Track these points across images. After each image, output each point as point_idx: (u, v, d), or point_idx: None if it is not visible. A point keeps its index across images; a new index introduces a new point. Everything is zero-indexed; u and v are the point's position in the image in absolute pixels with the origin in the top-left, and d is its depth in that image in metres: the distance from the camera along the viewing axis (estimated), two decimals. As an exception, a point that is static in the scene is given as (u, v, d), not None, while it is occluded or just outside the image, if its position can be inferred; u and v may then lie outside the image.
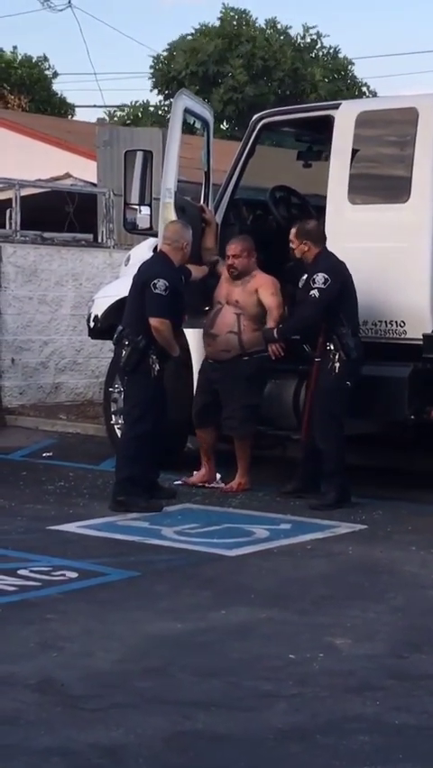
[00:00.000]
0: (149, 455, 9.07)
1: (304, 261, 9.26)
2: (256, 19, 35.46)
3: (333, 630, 6.10)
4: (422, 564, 7.54)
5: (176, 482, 9.58)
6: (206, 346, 9.73)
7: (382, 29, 68.91)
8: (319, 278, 9.02)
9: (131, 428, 9.16)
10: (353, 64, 37.49)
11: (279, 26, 35.64)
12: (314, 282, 9.03)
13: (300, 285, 9.27)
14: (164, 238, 9.26)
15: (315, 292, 9.02)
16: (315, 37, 36.49)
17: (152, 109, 36.51)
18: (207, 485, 9.69)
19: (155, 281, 8.89)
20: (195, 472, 9.81)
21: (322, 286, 9.00)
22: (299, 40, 36.02)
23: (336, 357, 9.00)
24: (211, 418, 9.72)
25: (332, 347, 9.01)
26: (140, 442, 9.03)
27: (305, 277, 9.19)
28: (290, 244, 9.27)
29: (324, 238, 9.25)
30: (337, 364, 9.00)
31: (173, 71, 34.26)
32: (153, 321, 8.89)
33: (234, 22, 34.96)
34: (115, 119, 36.52)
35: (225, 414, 9.66)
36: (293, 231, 9.28)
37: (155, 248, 9.62)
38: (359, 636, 6.02)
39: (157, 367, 8.97)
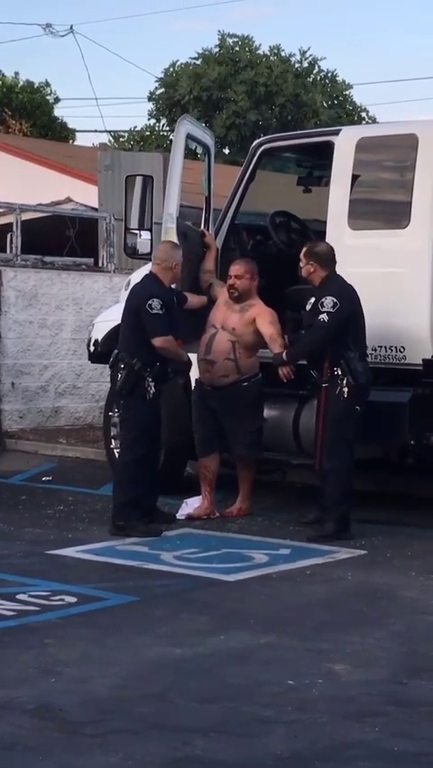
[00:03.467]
0: (148, 479, 9.06)
1: (310, 283, 9.23)
2: (260, 45, 35.60)
3: (332, 656, 6.08)
4: (422, 590, 7.52)
5: (178, 517, 9.53)
6: (203, 372, 9.71)
7: (380, 55, 69.22)
8: (328, 301, 8.96)
9: (127, 452, 9.15)
10: (351, 88, 37.66)
11: (282, 53, 35.78)
12: (322, 306, 8.95)
13: (308, 308, 9.22)
14: (154, 258, 9.32)
15: (324, 316, 8.94)
16: (312, 61, 36.62)
17: (148, 134, 36.57)
18: (210, 517, 9.62)
19: (150, 302, 8.92)
20: (186, 501, 9.73)
21: (331, 310, 8.93)
22: (296, 65, 36.14)
23: (344, 382, 8.90)
24: (214, 446, 9.71)
25: (339, 372, 8.91)
26: (137, 465, 9.03)
27: (312, 300, 9.15)
28: (299, 263, 9.25)
29: (333, 262, 9.14)
30: (346, 389, 8.90)
31: (177, 96, 34.38)
32: (157, 341, 8.92)
33: (237, 48, 35.07)
34: (122, 139, 36.62)
35: (231, 441, 9.64)
36: (303, 250, 9.24)
37: (155, 272, 9.63)
38: (359, 662, 6.00)
39: (153, 390, 8.97)
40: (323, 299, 8.98)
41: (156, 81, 35.36)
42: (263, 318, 9.54)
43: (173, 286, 9.28)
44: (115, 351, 9.26)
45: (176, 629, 6.54)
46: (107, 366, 10.94)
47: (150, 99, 35.76)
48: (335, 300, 8.94)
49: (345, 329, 8.97)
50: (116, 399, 9.60)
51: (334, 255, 9.17)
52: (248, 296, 9.65)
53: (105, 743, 4.86)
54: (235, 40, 35.24)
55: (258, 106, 33.86)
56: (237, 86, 33.64)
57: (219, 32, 35.47)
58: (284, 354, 9.32)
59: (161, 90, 35.37)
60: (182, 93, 34.08)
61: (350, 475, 9.05)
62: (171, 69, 35.31)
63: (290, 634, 6.50)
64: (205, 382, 9.70)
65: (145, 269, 10.78)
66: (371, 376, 9.07)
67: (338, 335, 8.96)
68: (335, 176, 9.83)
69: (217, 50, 35.05)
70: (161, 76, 35.37)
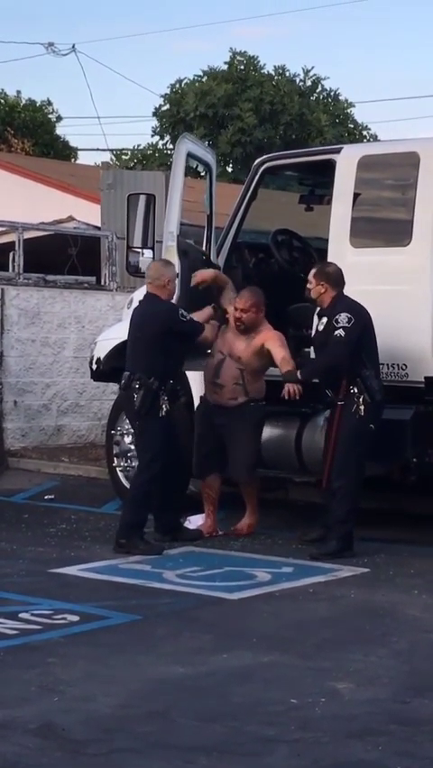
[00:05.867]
0: (158, 498, 9.07)
1: (319, 304, 9.20)
2: (265, 65, 35.70)
3: (335, 674, 6.07)
4: (425, 608, 7.51)
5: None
6: (211, 394, 9.69)
7: (383, 74, 69.42)
8: (343, 317, 8.89)
9: (144, 472, 9.14)
10: (353, 106, 37.75)
11: (287, 73, 35.88)
12: (337, 322, 8.88)
13: (320, 328, 9.12)
14: (147, 278, 9.35)
15: (340, 331, 8.87)
16: (315, 80, 36.72)
17: (150, 152, 36.62)
18: (213, 535, 9.62)
19: (179, 311, 9.06)
20: (189, 519, 9.74)
21: (347, 324, 8.86)
22: (299, 82, 36.23)
23: (361, 399, 8.85)
24: (216, 464, 9.70)
25: (356, 390, 8.86)
26: (150, 485, 9.04)
27: (324, 320, 9.09)
28: (307, 284, 9.20)
29: (342, 282, 9.10)
30: (362, 407, 8.85)
31: (182, 112, 34.43)
32: (204, 335, 9.30)
33: (242, 67, 35.15)
34: (125, 157, 36.67)
35: (232, 459, 9.61)
36: (312, 271, 9.19)
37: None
38: (361, 681, 5.99)
39: (166, 407, 9.00)
40: (337, 316, 8.91)
41: (161, 96, 35.46)
42: (273, 342, 9.48)
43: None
44: (126, 372, 9.19)
45: (178, 648, 6.53)
46: (110, 384, 10.95)
47: (155, 115, 35.81)
48: (349, 316, 8.89)
49: (360, 346, 8.93)
50: (132, 420, 9.53)
51: (343, 275, 9.13)
52: (255, 327, 9.60)
53: (107, 762, 4.85)
54: (241, 59, 35.34)
55: (263, 124, 33.95)
56: (244, 104, 33.72)
57: (231, 49, 35.64)
58: (298, 373, 9.24)
59: (166, 107, 35.39)
60: (188, 110, 34.14)
61: (358, 494, 9.03)
62: (178, 86, 35.39)
63: (293, 652, 6.50)
64: (212, 402, 9.68)
65: (148, 287, 10.81)
66: (384, 394, 9.03)
67: (354, 353, 8.92)
68: (336, 194, 9.85)
69: (224, 67, 35.14)
70: (167, 92, 35.45)
